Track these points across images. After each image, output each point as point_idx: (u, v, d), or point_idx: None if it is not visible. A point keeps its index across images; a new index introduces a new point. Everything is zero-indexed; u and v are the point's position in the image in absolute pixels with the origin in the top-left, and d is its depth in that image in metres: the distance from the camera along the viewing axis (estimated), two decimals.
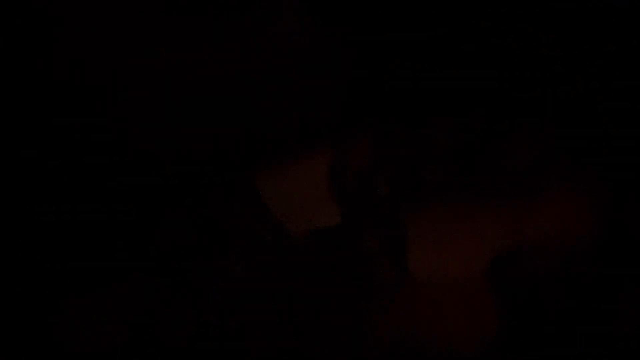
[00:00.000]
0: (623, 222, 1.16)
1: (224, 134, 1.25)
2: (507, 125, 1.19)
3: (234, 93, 1.26)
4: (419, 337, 1.13)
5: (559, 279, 1.14)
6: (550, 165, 1.17)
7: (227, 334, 1.15)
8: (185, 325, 1.15)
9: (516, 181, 1.16)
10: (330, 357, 1.13)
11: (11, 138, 1.23)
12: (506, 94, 1.22)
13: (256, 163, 1.22)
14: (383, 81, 1.25)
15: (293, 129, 1.25)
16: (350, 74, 1.27)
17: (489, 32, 1.24)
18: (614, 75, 1.22)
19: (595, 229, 1.15)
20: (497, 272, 1.14)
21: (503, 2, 1.25)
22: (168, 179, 1.24)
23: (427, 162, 1.19)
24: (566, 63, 1.23)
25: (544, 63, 1.23)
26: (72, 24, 1.25)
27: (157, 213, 1.21)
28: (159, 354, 1.14)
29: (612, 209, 1.16)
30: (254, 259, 1.18)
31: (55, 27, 1.25)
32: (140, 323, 1.15)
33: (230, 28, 1.26)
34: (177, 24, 1.26)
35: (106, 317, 1.15)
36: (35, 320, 1.16)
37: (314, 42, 1.27)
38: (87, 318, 1.15)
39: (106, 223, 1.21)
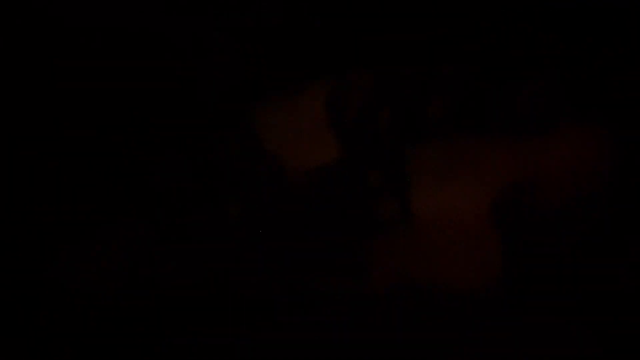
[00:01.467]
0: (633, 165, 1.14)
1: (220, 75, 1.24)
2: (514, 65, 1.18)
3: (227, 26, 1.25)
4: (421, 275, 1.10)
5: (565, 220, 1.11)
6: (559, 106, 1.15)
7: (224, 275, 1.12)
8: (181, 268, 1.12)
9: (523, 120, 1.14)
10: (332, 295, 1.10)
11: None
12: (513, 34, 1.20)
13: (252, 99, 1.20)
14: (385, 18, 1.24)
15: (289, 61, 1.23)
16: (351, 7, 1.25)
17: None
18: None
19: (604, 171, 1.12)
20: (502, 211, 1.11)
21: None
22: (163, 119, 1.22)
23: (432, 97, 1.16)
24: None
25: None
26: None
27: (152, 155, 1.19)
28: (155, 296, 1.11)
29: (621, 150, 1.14)
30: (251, 200, 1.15)
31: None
32: (137, 265, 1.12)
33: None
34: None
35: (103, 259, 1.13)
36: (33, 258, 1.14)
37: None
38: (85, 260, 1.13)
39: (101, 166, 1.20)
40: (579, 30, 1.22)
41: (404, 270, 1.11)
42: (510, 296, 1.10)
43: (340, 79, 1.17)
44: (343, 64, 1.21)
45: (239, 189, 1.16)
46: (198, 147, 1.19)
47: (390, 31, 1.23)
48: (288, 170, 1.15)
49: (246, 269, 1.12)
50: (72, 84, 1.23)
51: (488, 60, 1.19)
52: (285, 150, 1.15)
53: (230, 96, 1.22)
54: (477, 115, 1.15)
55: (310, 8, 1.26)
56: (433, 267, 1.10)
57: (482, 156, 1.12)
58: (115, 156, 1.20)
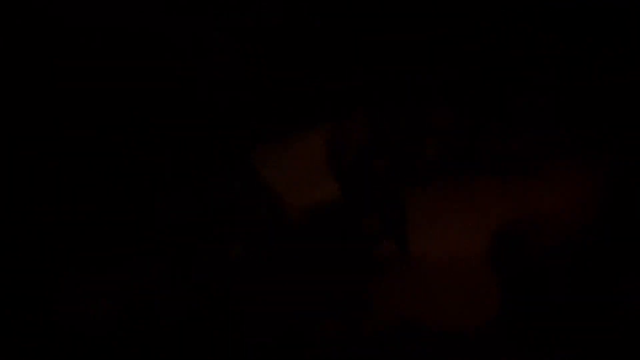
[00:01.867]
0: (624, 203, 1.15)
1: (223, 113, 1.24)
2: (508, 107, 1.19)
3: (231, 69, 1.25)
4: (420, 314, 1.12)
5: (560, 257, 1.13)
6: (552, 145, 1.16)
7: (225, 314, 1.14)
8: (182, 306, 1.14)
9: (517, 159, 1.15)
10: (331, 335, 1.12)
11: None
12: (507, 77, 1.21)
13: (253, 140, 1.21)
14: (382, 65, 1.24)
15: (291, 107, 1.24)
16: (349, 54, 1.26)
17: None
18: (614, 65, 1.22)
19: (596, 208, 1.14)
20: (498, 250, 1.12)
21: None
22: (166, 160, 1.23)
23: (427, 139, 1.18)
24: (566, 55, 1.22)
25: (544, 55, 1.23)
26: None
27: (155, 195, 1.21)
28: (155, 334, 1.13)
29: (614, 189, 1.15)
30: (253, 239, 1.17)
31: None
32: (137, 303, 1.14)
33: None
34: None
35: (105, 296, 1.14)
36: (35, 297, 1.15)
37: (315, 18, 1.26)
38: (86, 297, 1.14)
39: (105, 205, 1.21)
40: (573, 63, 1.22)
41: (402, 309, 1.12)
42: (507, 334, 1.12)
43: (338, 122, 1.19)
44: (341, 102, 1.22)
45: (240, 227, 1.18)
46: (201, 186, 1.20)
47: (389, 34, 1.24)
48: (288, 210, 1.17)
49: (247, 308, 1.14)
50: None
51: (481, 101, 1.20)
52: (285, 189, 1.17)
53: (232, 136, 1.22)
54: (472, 156, 1.17)
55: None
56: (431, 306, 1.12)
57: (478, 197, 1.13)
58: (120, 194, 1.21)
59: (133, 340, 1.13)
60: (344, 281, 1.14)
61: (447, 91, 1.21)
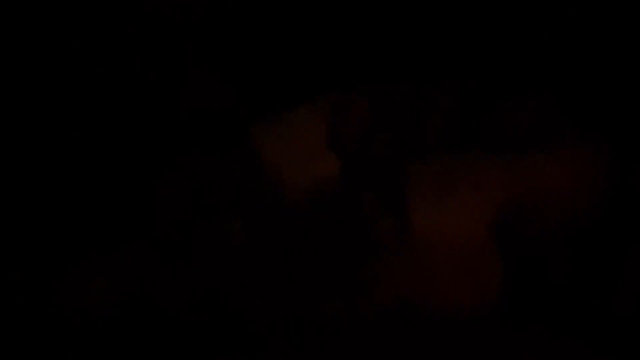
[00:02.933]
0: (628, 183, 1.14)
1: (219, 90, 1.24)
2: (511, 86, 1.18)
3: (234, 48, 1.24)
4: (421, 294, 1.11)
5: (563, 239, 1.12)
6: (555, 125, 1.15)
7: (227, 297, 1.12)
8: (185, 290, 1.13)
9: (519, 138, 1.14)
10: (332, 316, 1.11)
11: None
12: (511, 53, 1.20)
13: (253, 117, 1.20)
14: (384, 39, 1.23)
15: (290, 81, 1.22)
16: (352, 29, 1.25)
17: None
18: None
19: (599, 188, 1.13)
20: (500, 231, 1.11)
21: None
22: (164, 141, 1.22)
23: (428, 116, 1.17)
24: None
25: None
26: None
27: (154, 176, 1.20)
28: (158, 319, 1.12)
29: (617, 168, 1.14)
30: (252, 218, 1.15)
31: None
32: (140, 288, 1.13)
33: None
34: None
35: (107, 282, 1.13)
36: (36, 285, 1.15)
37: None
38: (87, 281, 1.14)
39: (104, 190, 1.20)
40: (574, 46, 1.21)
41: (402, 288, 1.11)
42: (509, 312, 1.10)
43: (339, 99, 1.18)
44: (342, 78, 1.21)
45: (239, 207, 1.16)
46: (199, 166, 1.19)
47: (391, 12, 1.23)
48: (287, 188, 1.15)
49: (247, 289, 1.12)
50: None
51: (483, 76, 1.19)
52: (284, 167, 1.16)
53: (231, 113, 1.21)
54: (473, 133, 1.15)
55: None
56: (432, 285, 1.11)
57: (479, 174, 1.12)
58: (118, 178, 1.20)
59: (134, 326, 1.12)
60: (343, 259, 1.12)
61: (449, 67, 1.20)
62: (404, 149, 1.16)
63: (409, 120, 1.17)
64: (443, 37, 1.22)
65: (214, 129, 1.22)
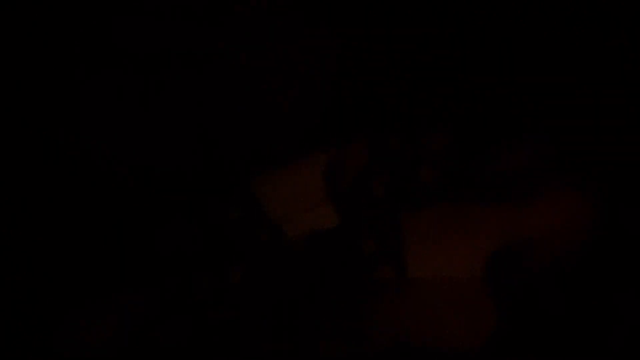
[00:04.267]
0: (618, 223, 1.19)
1: (221, 140, 1.26)
2: (502, 131, 1.22)
3: (231, 100, 1.27)
4: (417, 335, 1.14)
5: (555, 277, 1.16)
6: (545, 168, 1.19)
7: (225, 339, 1.15)
8: (184, 332, 1.15)
9: (511, 182, 1.18)
10: (330, 357, 1.14)
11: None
12: (501, 102, 1.25)
13: (253, 167, 1.24)
14: (380, 91, 1.27)
15: (290, 134, 1.25)
16: (348, 81, 1.28)
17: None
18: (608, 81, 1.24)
19: (589, 229, 1.17)
20: (494, 271, 1.15)
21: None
22: (166, 185, 1.25)
23: (422, 164, 1.20)
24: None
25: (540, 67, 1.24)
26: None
27: (155, 220, 1.23)
28: None
29: (606, 209, 1.18)
30: (252, 263, 1.19)
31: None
32: (139, 330, 1.15)
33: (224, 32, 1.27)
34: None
35: (106, 324, 1.15)
36: (36, 327, 1.16)
37: (312, 45, 1.28)
38: (87, 325, 1.16)
39: (106, 233, 1.23)
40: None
41: (400, 331, 1.15)
42: (503, 353, 1.14)
43: (337, 149, 1.22)
44: (341, 132, 1.25)
45: (240, 254, 1.20)
46: (201, 213, 1.22)
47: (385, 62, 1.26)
48: (288, 235, 1.20)
49: (246, 333, 1.16)
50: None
51: (476, 120, 1.24)
52: (285, 216, 1.20)
53: (232, 163, 1.25)
54: (466, 181, 1.20)
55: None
56: (428, 327, 1.14)
57: (473, 220, 1.16)
58: (119, 223, 1.24)
59: None
60: (343, 304, 1.16)
61: (442, 117, 1.25)
62: (399, 197, 1.20)
63: (404, 169, 1.21)
64: (435, 83, 1.27)
65: (216, 177, 1.26)
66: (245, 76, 1.28)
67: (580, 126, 1.24)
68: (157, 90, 1.26)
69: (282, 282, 1.17)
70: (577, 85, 1.25)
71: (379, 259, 1.17)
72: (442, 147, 1.21)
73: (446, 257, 1.15)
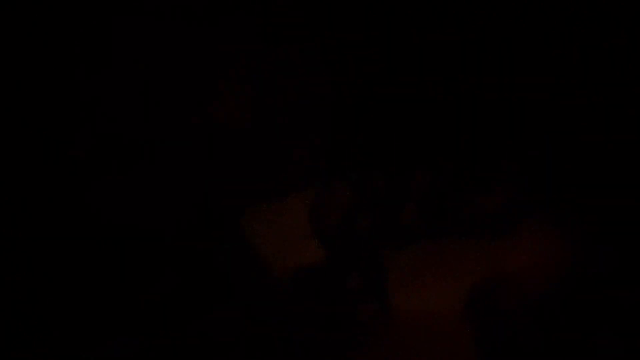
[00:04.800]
0: (595, 261, 1.21)
1: (209, 181, 1.26)
2: (481, 172, 1.25)
3: (218, 139, 1.27)
4: None
5: (534, 313, 1.18)
6: (523, 209, 1.22)
7: None
8: None
9: (491, 222, 1.21)
10: None
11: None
12: (481, 142, 1.27)
13: (242, 207, 1.26)
14: (363, 132, 1.29)
15: (277, 173, 1.26)
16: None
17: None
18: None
19: (567, 266, 1.20)
20: (474, 307, 1.18)
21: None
22: (158, 233, 1.26)
23: (405, 204, 1.23)
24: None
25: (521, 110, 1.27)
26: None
27: (150, 268, 1.24)
28: None
29: (584, 247, 1.21)
30: (251, 304, 1.22)
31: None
32: None
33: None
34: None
35: None
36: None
37: (298, 84, 1.29)
38: None
39: (100, 280, 1.23)
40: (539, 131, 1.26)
41: None
42: None
43: (321, 189, 1.25)
44: (325, 170, 1.28)
45: (241, 295, 1.23)
46: (191, 256, 1.24)
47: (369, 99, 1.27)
48: (275, 273, 1.23)
49: None
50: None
51: (456, 168, 1.26)
52: (271, 254, 1.23)
53: (221, 205, 1.26)
54: (448, 219, 1.22)
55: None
56: None
57: (454, 257, 1.20)
58: (110, 270, 1.24)
59: None
60: (328, 340, 1.19)
61: (425, 157, 1.27)
62: (383, 234, 1.23)
63: (388, 207, 1.24)
64: (417, 127, 1.28)
65: (206, 215, 1.27)
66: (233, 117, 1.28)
67: (558, 160, 1.26)
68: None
69: (269, 319, 1.20)
70: (555, 119, 1.27)
71: (363, 295, 1.21)
72: (426, 187, 1.23)
73: (428, 294, 1.18)
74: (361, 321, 1.20)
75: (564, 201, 1.23)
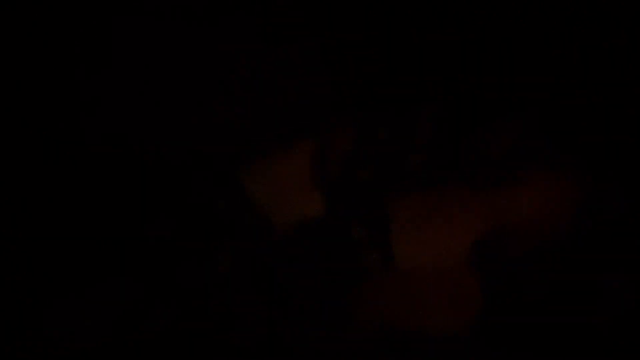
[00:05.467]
0: (602, 208, 1.18)
1: (207, 129, 1.26)
2: (488, 116, 1.22)
3: (218, 89, 1.27)
4: (404, 319, 1.15)
5: (539, 263, 1.16)
6: (530, 153, 1.19)
7: (213, 329, 1.15)
8: (171, 322, 1.15)
9: (496, 168, 1.18)
10: (318, 344, 1.14)
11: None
12: (488, 85, 1.25)
13: (240, 156, 1.24)
14: (366, 72, 1.28)
15: (276, 121, 1.25)
16: (333, 64, 1.28)
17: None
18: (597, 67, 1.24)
19: (574, 214, 1.17)
20: (480, 256, 1.16)
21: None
22: (151, 177, 1.25)
23: (409, 151, 1.21)
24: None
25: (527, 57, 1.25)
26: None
27: (141, 210, 1.23)
28: (145, 351, 1.14)
29: (590, 194, 1.18)
30: (240, 253, 1.19)
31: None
32: (126, 321, 1.15)
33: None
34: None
35: (93, 315, 1.15)
36: (24, 316, 1.16)
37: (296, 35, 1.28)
38: (75, 315, 1.16)
39: (92, 223, 1.22)
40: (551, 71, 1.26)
41: (387, 315, 1.16)
42: (489, 336, 1.15)
43: (322, 136, 1.22)
44: (328, 117, 1.25)
45: (228, 242, 1.20)
46: (188, 202, 1.22)
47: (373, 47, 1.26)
48: (275, 224, 1.20)
49: (233, 319, 1.16)
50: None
51: (462, 109, 1.24)
52: (272, 204, 1.20)
53: (217, 157, 1.25)
54: (454, 165, 1.20)
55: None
56: (415, 312, 1.15)
57: (459, 205, 1.17)
58: (105, 212, 1.23)
59: (123, 356, 1.15)
60: (330, 289, 1.17)
61: (430, 100, 1.24)
62: (386, 182, 1.20)
63: (390, 154, 1.22)
64: (423, 66, 1.28)
65: (203, 166, 1.26)
66: (235, 66, 1.28)
67: (568, 106, 1.24)
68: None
69: (270, 270, 1.18)
70: (568, 70, 1.26)
71: (367, 245, 1.17)
72: (430, 132, 1.21)
73: (433, 241, 1.16)
74: (364, 271, 1.17)
75: (573, 144, 1.21)
